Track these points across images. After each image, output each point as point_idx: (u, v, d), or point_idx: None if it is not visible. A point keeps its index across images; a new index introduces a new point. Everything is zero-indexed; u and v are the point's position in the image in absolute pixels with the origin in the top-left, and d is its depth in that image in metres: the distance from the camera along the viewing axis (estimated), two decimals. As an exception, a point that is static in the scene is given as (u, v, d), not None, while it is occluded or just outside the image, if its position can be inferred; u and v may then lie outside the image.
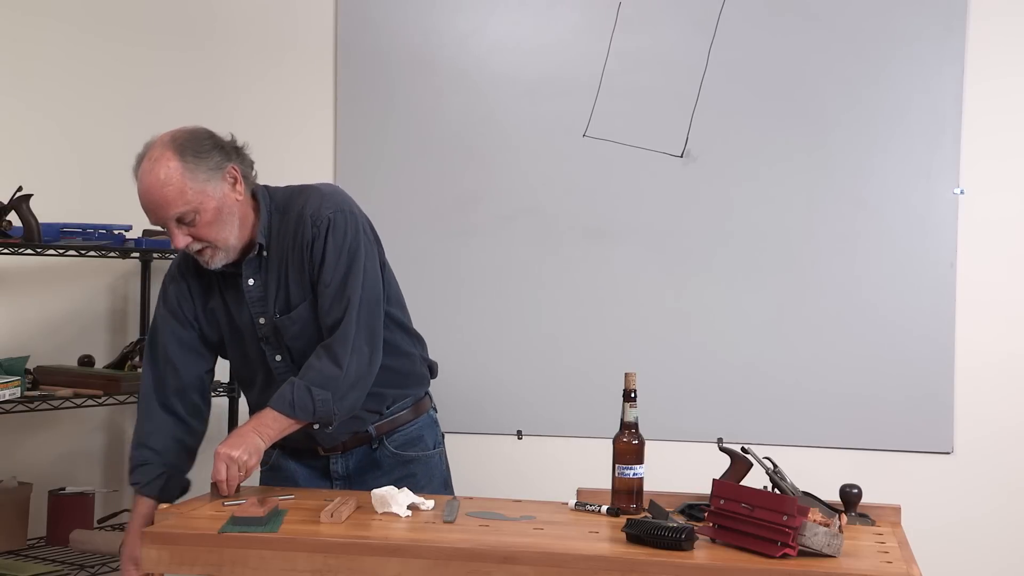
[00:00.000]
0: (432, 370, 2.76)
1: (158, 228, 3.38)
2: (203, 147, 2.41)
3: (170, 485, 2.52)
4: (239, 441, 2.42)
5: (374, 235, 2.59)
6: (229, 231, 2.45)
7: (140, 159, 2.42)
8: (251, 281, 2.51)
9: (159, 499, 2.48)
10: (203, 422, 2.65)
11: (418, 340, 2.73)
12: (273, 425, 2.43)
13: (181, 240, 2.42)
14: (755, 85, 3.39)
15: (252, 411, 2.69)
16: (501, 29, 3.54)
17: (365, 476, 2.60)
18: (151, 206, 2.40)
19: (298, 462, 2.62)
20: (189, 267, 2.59)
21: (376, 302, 2.51)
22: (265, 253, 2.50)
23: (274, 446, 2.61)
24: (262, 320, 2.52)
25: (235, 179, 2.45)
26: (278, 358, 2.54)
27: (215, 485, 2.45)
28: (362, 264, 2.48)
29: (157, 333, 2.60)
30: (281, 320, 2.51)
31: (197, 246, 2.43)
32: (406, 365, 2.65)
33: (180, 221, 2.40)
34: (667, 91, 3.43)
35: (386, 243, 2.65)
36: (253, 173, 2.52)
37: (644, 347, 3.42)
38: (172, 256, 3.42)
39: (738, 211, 3.40)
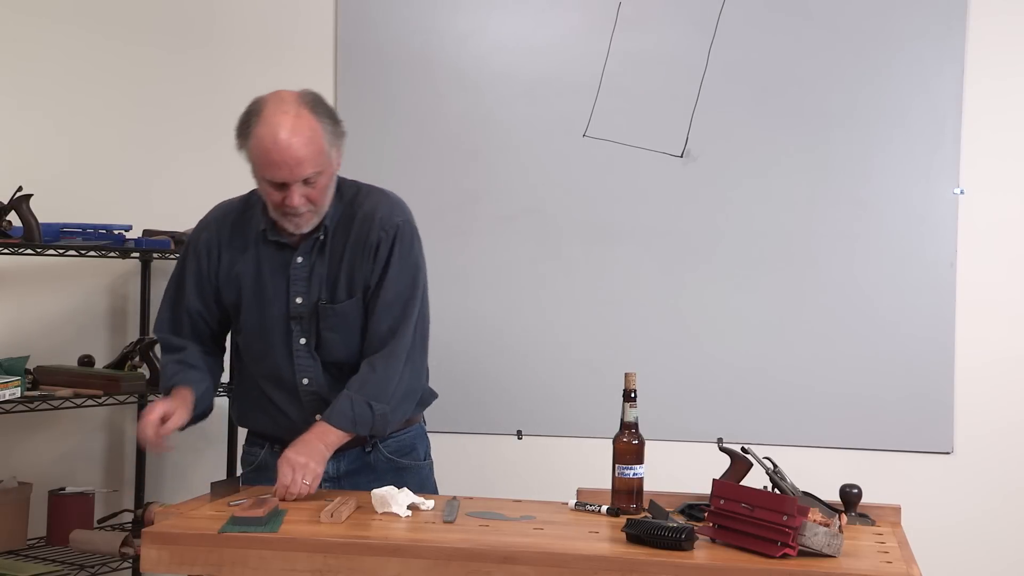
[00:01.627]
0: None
1: (158, 228, 3.42)
2: (330, 111, 2.43)
3: (206, 397, 2.55)
4: (306, 448, 2.40)
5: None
6: (329, 198, 2.47)
7: (257, 114, 2.37)
8: (299, 259, 2.50)
9: (197, 398, 2.51)
10: (219, 363, 2.67)
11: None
12: (334, 433, 2.44)
13: (297, 199, 2.38)
14: (755, 85, 3.39)
15: (241, 384, 2.65)
16: (501, 29, 3.53)
17: (356, 479, 2.58)
18: (289, 161, 2.34)
19: None
20: (226, 226, 2.57)
21: (427, 317, 2.57)
22: (322, 237, 2.49)
23: (264, 444, 2.62)
24: (299, 299, 2.50)
25: (339, 149, 2.46)
26: (302, 340, 2.52)
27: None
28: (422, 279, 2.54)
29: (184, 272, 2.60)
30: (324, 308, 2.49)
31: (304, 208, 2.41)
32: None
33: (305, 181, 2.37)
34: (667, 91, 3.42)
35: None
36: None
37: (644, 347, 3.41)
38: (172, 256, 3.42)
39: (738, 211, 3.39)
